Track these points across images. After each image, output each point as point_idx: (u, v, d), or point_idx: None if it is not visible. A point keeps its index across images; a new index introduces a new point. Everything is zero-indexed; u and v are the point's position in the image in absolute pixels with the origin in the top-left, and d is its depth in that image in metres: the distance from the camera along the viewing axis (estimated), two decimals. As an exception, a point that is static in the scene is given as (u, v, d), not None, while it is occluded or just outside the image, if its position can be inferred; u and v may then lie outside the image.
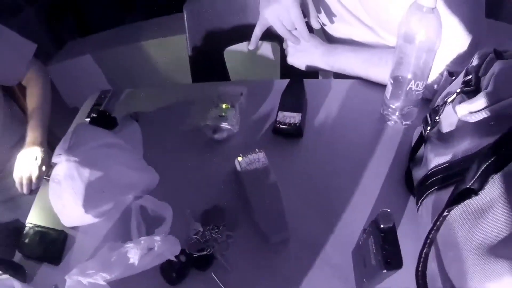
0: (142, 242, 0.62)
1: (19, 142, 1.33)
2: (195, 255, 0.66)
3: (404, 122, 0.83)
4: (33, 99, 1.35)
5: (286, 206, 0.70)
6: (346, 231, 0.67)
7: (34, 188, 1.18)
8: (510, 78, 0.58)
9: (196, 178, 0.83)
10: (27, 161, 1.18)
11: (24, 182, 1.16)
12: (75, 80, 2.32)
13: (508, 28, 1.94)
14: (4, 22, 1.27)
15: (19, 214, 1.27)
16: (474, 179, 0.49)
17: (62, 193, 0.75)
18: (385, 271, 0.46)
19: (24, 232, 0.85)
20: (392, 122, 0.85)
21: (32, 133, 1.26)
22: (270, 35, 1.03)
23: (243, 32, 1.29)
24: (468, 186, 0.49)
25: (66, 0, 2.57)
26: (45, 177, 0.99)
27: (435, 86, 0.85)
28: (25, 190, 1.16)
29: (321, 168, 0.80)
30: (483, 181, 0.48)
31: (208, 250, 0.67)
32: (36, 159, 1.19)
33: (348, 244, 0.63)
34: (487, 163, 0.49)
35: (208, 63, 1.40)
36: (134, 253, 0.62)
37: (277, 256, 0.67)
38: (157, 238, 0.62)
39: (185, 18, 1.34)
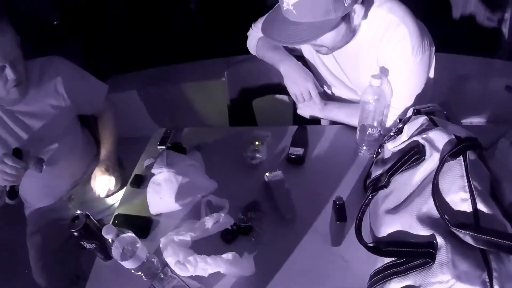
0: (214, 216, 1.06)
1: (94, 160, 1.68)
2: (242, 226, 1.11)
3: (369, 153, 1.29)
4: (105, 127, 1.67)
5: (294, 200, 1.17)
6: (326, 214, 1.11)
7: (110, 194, 1.54)
8: (414, 127, 1.04)
9: (240, 185, 1.27)
10: (104, 173, 1.48)
11: (103, 188, 1.47)
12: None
13: (498, 64, 2.30)
14: (46, 50, 1.53)
15: (91, 213, 1.57)
16: (385, 180, 0.96)
17: (161, 190, 1.19)
18: (338, 222, 0.94)
19: (115, 218, 1.22)
20: (362, 154, 1.31)
21: (106, 152, 1.58)
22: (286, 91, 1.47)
23: (268, 88, 1.72)
24: (382, 183, 0.97)
25: (106, 37, 2.80)
26: (129, 184, 1.35)
27: (392, 128, 1.29)
28: (102, 195, 1.48)
29: (315, 181, 1.26)
30: (389, 181, 0.96)
31: (249, 223, 1.12)
32: (112, 172, 1.50)
33: (327, 221, 1.09)
34: (391, 171, 0.97)
35: (241, 110, 1.81)
36: (209, 222, 1.05)
37: (288, 227, 1.13)
38: (222, 215, 1.07)
39: (226, 78, 1.75)
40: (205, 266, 0.97)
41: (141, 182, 1.37)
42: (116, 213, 1.26)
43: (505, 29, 2.37)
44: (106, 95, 1.65)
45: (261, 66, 1.61)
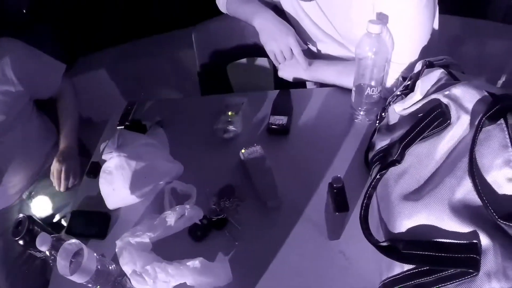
0: (177, 209, 0.85)
1: (53, 149, 1.52)
2: (214, 219, 0.91)
3: (367, 119, 1.08)
4: (64, 112, 1.53)
5: (277, 182, 0.96)
6: (320, 197, 0.90)
7: (70, 186, 1.38)
8: (429, 82, 0.82)
9: (211, 166, 1.07)
10: (63, 164, 1.36)
11: (62, 181, 1.34)
12: (90, 93, 2.34)
13: (492, 26, 2.15)
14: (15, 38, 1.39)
15: (55, 211, 1.46)
16: (398, 153, 0.74)
17: (113, 180, 0.98)
18: (337, 213, 0.72)
19: (71, 216, 1.05)
20: (359, 120, 1.09)
21: (65, 140, 1.45)
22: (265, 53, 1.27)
23: (243, 50, 1.52)
24: (394, 158, 0.74)
25: (76, 17, 2.63)
26: (86, 175, 1.17)
27: (394, 89, 1.09)
28: (62, 188, 1.36)
29: (303, 156, 1.05)
30: (402, 154, 0.73)
31: (223, 215, 0.91)
32: (71, 162, 1.38)
33: (322, 207, 0.87)
34: (406, 141, 0.74)
35: (214, 77, 1.61)
36: (171, 217, 0.84)
37: (272, 216, 0.92)
38: (187, 206, 0.86)
39: (194, 41, 1.54)
40: (166, 277, 0.76)
41: (97, 171, 1.16)
42: (72, 210, 1.08)
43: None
44: (63, 76, 1.51)
45: (233, 24, 1.45)
